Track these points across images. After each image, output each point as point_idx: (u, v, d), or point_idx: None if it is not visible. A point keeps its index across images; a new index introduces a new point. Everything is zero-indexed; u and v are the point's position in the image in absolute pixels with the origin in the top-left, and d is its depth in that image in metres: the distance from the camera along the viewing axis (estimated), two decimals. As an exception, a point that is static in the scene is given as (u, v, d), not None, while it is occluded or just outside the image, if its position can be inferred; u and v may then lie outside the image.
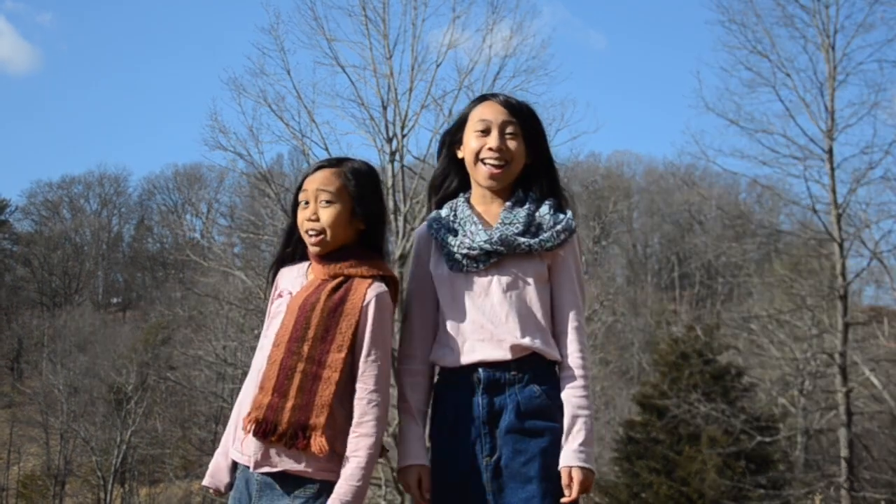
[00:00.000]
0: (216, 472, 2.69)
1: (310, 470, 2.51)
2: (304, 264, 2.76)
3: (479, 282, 2.57)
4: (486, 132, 2.62)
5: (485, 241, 2.54)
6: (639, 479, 20.27)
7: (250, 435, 2.53)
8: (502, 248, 2.54)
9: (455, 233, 2.62)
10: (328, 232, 2.63)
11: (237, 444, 2.62)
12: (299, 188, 2.70)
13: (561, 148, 16.94)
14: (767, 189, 18.61)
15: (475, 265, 2.57)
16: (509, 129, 2.61)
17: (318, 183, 2.65)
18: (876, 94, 16.35)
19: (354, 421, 2.54)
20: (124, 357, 36.84)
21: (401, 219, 15.75)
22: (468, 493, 2.47)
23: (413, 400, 2.62)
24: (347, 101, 16.26)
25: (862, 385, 18.16)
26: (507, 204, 2.63)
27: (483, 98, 2.71)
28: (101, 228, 58.99)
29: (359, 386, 2.57)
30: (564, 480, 2.44)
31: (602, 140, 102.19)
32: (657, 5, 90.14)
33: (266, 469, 2.53)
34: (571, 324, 2.59)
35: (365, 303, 2.59)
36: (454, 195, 2.76)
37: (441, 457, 2.54)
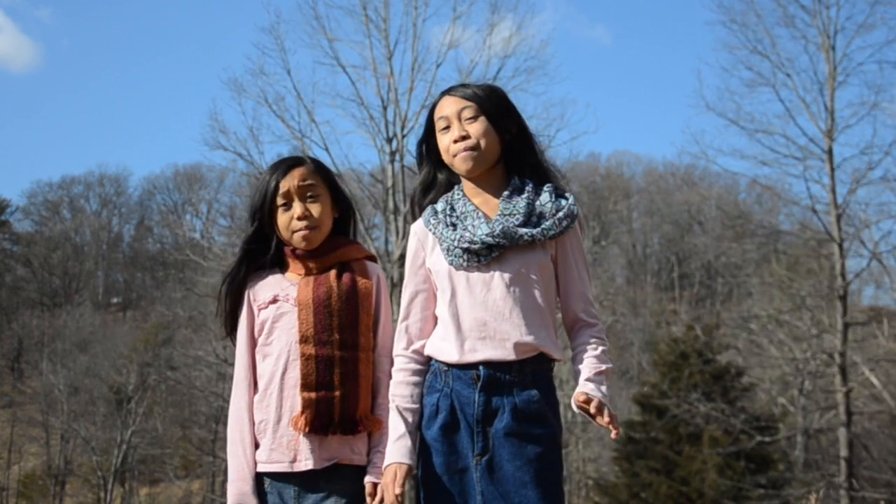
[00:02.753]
0: (243, 499, 2.59)
1: (358, 456, 2.54)
2: (276, 273, 2.73)
3: (481, 277, 2.48)
4: (448, 128, 2.58)
5: (486, 235, 2.45)
6: (639, 478, 20.27)
7: (300, 436, 2.53)
8: (505, 241, 2.45)
9: (454, 227, 2.53)
10: (320, 226, 2.66)
11: (273, 455, 2.57)
12: (274, 193, 2.64)
13: (561, 148, 16.99)
14: (767, 189, 18.62)
15: (476, 260, 2.48)
16: (466, 114, 2.55)
17: (298, 180, 2.65)
18: (876, 95, 16.39)
19: (379, 394, 2.62)
20: (124, 357, 36.82)
21: (401, 219, 15.73)
22: (457, 489, 2.44)
23: (408, 397, 2.55)
24: (347, 101, 16.25)
25: (862, 385, 18.17)
26: (505, 193, 2.55)
27: (440, 96, 2.67)
28: (101, 228, 59.00)
29: (381, 360, 2.65)
30: (590, 409, 2.30)
31: (602, 140, 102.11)
32: (657, 4, 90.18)
33: (325, 464, 2.53)
34: (583, 312, 2.54)
35: (374, 282, 2.68)
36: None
37: (429, 450, 2.48)
